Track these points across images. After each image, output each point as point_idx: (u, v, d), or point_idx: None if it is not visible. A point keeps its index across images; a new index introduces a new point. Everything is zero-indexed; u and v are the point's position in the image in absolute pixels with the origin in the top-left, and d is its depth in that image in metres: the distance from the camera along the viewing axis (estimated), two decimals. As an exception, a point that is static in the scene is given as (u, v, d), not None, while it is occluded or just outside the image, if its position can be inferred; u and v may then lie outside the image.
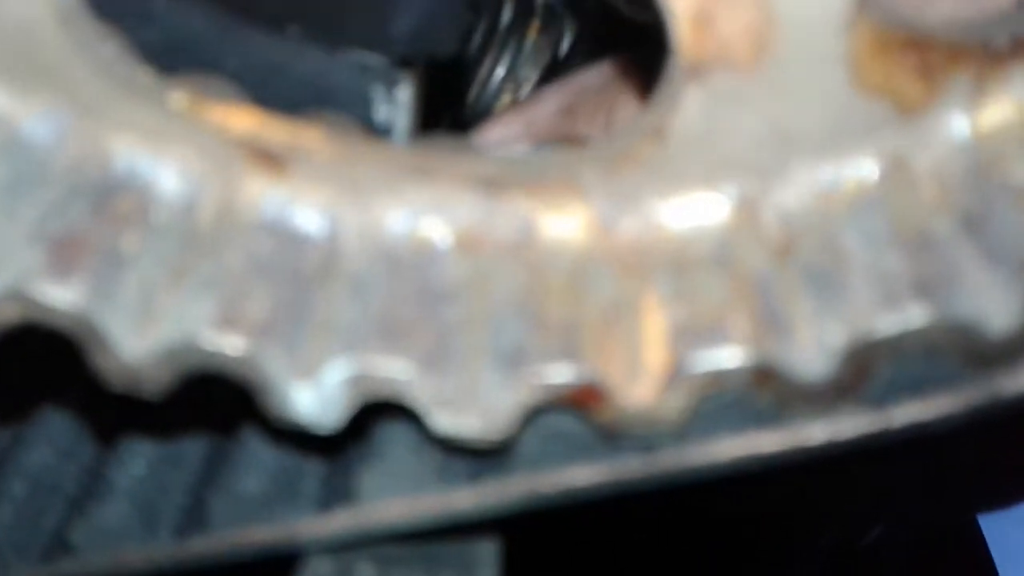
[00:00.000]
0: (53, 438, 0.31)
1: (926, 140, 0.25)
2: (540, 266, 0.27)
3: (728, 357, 0.24)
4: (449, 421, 0.25)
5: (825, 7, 0.24)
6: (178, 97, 0.27)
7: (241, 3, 0.34)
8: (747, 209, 0.26)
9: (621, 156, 0.27)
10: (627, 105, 0.41)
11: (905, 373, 0.24)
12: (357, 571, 0.28)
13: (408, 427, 0.27)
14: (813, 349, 0.23)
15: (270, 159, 0.27)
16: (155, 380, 0.24)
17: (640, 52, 0.42)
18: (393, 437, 0.27)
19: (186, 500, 0.29)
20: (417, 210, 0.27)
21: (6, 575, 0.30)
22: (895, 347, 0.23)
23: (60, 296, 0.24)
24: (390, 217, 0.27)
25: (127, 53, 0.26)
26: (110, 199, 0.26)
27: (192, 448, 0.29)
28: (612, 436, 0.25)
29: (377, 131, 0.35)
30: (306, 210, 0.27)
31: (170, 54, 0.31)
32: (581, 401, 0.25)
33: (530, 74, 0.55)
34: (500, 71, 0.55)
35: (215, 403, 0.29)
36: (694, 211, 0.26)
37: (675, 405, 0.24)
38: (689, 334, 0.24)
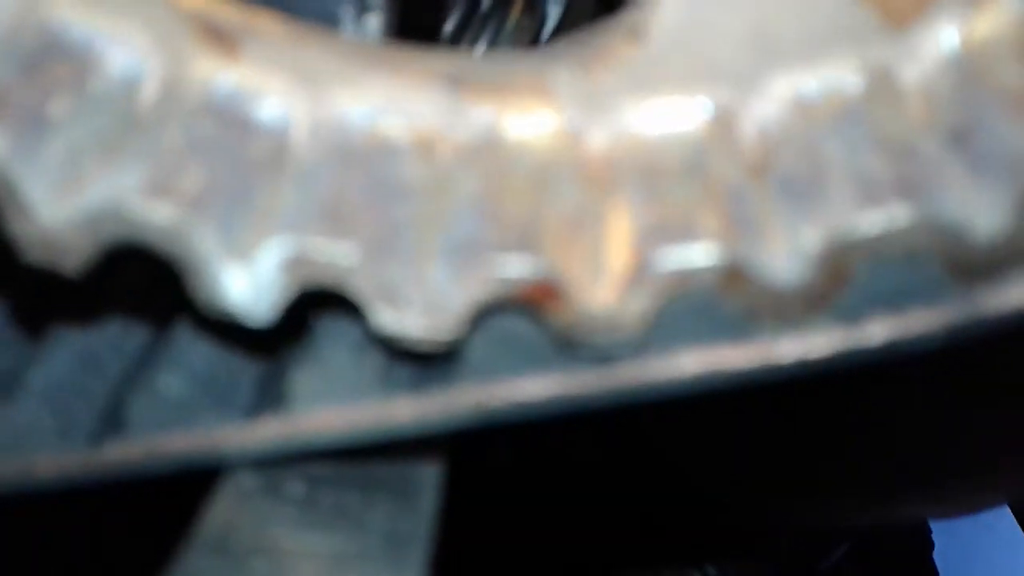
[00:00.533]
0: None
1: (914, 53, 0.24)
2: (502, 169, 0.25)
3: (696, 255, 0.22)
4: (393, 317, 0.23)
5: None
6: (128, -30, 0.25)
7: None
8: (724, 120, 0.25)
9: (595, 57, 0.25)
10: None
11: (881, 289, 0.22)
12: (285, 489, 0.26)
13: (349, 327, 0.25)
14: (786, 251, 0.22)
15: (222, 39, 0.25)
16: (75, 250, 0.22)
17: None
18: (332, 338, 0.25)
19: (105, 404, 0.27)
20: (376, 105, 0.25)
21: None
22: (875, 248, 0.22)
23: (-26, 145, 0.22)
24: (347, 111, 0.25)
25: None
26: (45, 63, 0.24)
27: (118, 346, 0.27)
28: (568, 342, 0.23)
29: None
30: (258, 96, 0.25)
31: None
32: (537, 300, 0.23)
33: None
34: (479, 50, 0.53)
35: (147, 295, 0.27)
36: (668, 118, 0.25)
37: (637, 308, 0.22)
38: (656, 234, 0.23)
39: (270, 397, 0.25)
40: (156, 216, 0.22)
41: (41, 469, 0.27)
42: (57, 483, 0.27)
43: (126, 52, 0.24)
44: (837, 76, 0.24)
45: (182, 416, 0.26)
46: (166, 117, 0.24)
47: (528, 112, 0.25)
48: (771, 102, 0.24)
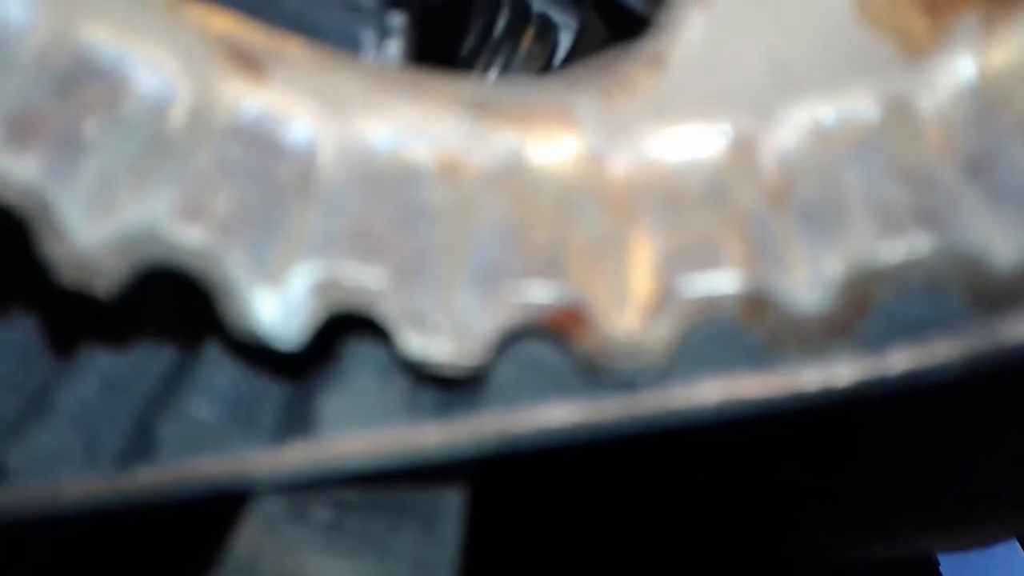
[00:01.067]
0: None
1: (931, 83, 0.24)
2: (526, 195, 0.25)
3: (721, 282, 0.22)
4: (420, 341, 0.23)
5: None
6: (158, -8, 0.26)
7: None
8: (744, 147, 0.25)
9: (616, 85, 0.26)
10: None
11: (903, 317, 0.23)
12: (312, 514, 0.26)
13: (375, 351, 0.25)
14: (809, 278, 0.22)
15: (250, 63, 0.26)
16: (109, 272, 0.23)
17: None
18: (359, 361, 0.25)
19: (133, 426, 0.27)
20: (400, 130, 0.26)
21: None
22: (897, 277, 0.22)
23: (13, 168, 0.22)
24: (372, 135, 0.26)
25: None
26: (77, 86, 0.24)
27: (146, 368, 0.27)
28: (592, 368, 0.23)
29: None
30: (285, 120, 0.25)
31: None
32: (562, 326, 0.23)
33: (522, 80, 0.54)
34: (492, 75, 0.54)
35: (176, 319, 0.27)
36: (688, 145, 0.25)
37: (661, 334, 0.23)
38: (679, 261, 0.23)
39: (297, 421, 0.26)
40: (189, 239, 0.23)
41: (68, 493, 0.27)
42: (85, 507, 0.27)
43: (156, 75, 0.25)
44: (854, 105, 0.24)
45: (210, 440, 0.26)
46: (196, 140, 0.25)
47: (551, 138, 0.26)
48: (790, 130, 0.25)
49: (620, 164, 0.25)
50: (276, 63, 0.25)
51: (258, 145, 0.24)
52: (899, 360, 0.22)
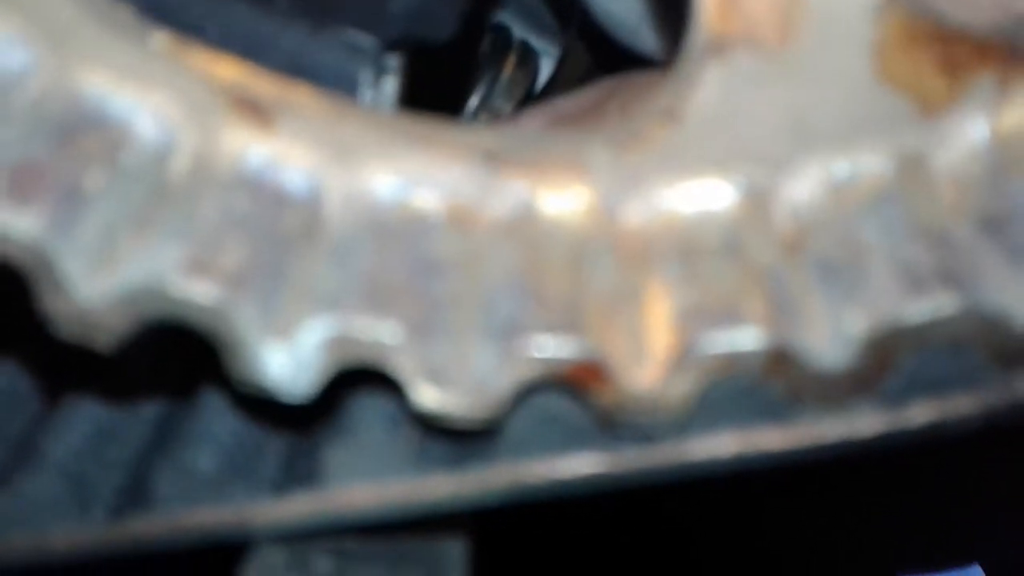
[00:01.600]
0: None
1: (946, 140, 0.25)
2: (538, 246, 0.25)
3: (743, 339, 0.22)
4: (435, 395, 0.23)
5: (855, -9, 0.24)
6: (160, 38, 0.25)
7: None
8: (758, 201, 0.25)
9: (630, 137, 0.26)
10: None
11: (923, 375, 0.23)
12: (313, 564, 0.25)
13: (383, 403, 0.25)
14: (832, 336, 0.22)
15: (256, 111, 0.25)
16: (111, 327, 0.22)
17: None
18: (366, 413, 0.25)
19: (127, 476, 0.26)
20: (409, 179, 0.25)
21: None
22: (921, 337, 0.22)
23: (15, 223, 0.21)
24: (380, 184, 0.25)
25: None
26: (77, 135, 0.24)
27: (139, 418, 0.27)
28: (610, 423, 0.23)
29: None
30: (291, 169, 0.25)
31: (148, 20, 0.29)
32: (580, 380, 0.23)
33: (504, 106, 0.54)
34: (474, 101, 0.54)
35: (169, 368, 0.26)
36: (703, 198, 0.25)
37: (681, 390, 0.22)
38: (698, 317, 0.23)
39: (300, 472, 0.25)
40: (197, 295, 0.22)
41: (58, 544, 0.26)
42: (75, 558, 0.26)
43: (158, 123, 0.24)
44: (869, 161, 0.24)
45: (209, 490, 0.25)
46: (200, 189, 0.24)
47: (563, 188, 0.25)
48: (804, 183, 0.25)
49: (633, 216, 0.25)
50: (282, 111, 0.25)
51: (264, 195, 0.24)
52: (919, 413, 0.22)
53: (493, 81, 0.54)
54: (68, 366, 0.27)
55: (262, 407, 0.25)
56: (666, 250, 0.24)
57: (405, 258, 0.24)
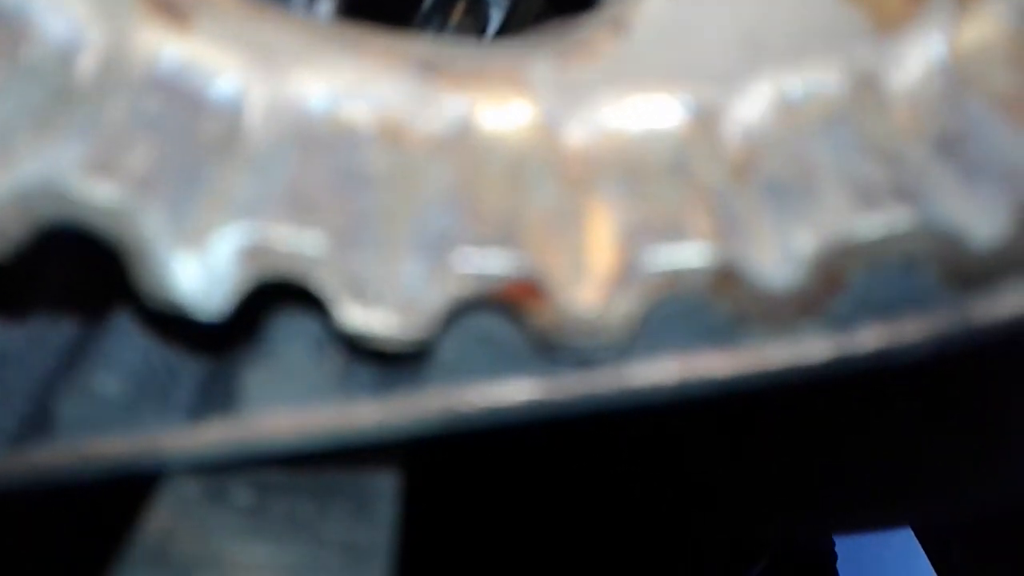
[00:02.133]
0: None
1: (901, 58, 0.23)
2: (475, 162, 0.23)
3: (688, 255, 0.21)
4: (361, 313, 0.21)
5: None
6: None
7: None
8: (706, 119, 0.24)
9: (574, 49, 0.24)
10: None
11: (873, 296, 0.22)
12: (231, 496, 0.24)
13: (306, 323, 0.23)
14: (780, 254, 0.21)
15: (171, 9, 0.23)
16: (5, 231, 0.20)
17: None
18: (288, 334, 0.23)
19: (28, 403, 0.24)
20: (338, 89, 0.23)
21: None
22: (872, 254, 0.21)
23: None
24: (307, 93, 0.23)
25: None
26: (-31, 26, 0.21)
27: (42, 340, 0.25)
28: (547, 345, 0.22)
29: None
30: (209, 73, 0.23)
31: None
32: (516, 299, 0.21)
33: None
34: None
35: (77, 285, 0.24)
36: (648, 116, 0.24)
37: (623, 309, 0.21)
38: (642, 234, 0.22)
39: (217, 398, 0.23)
40: (98, 195, 0.20)
41: (-48, 474, 0.24)
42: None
43: (63, 19, 0.22)
44: (822, 79, 0.23)
45: (118, 417, 0.24)
46: (107, 91, 0.22)
47: (503, 103, 0.24)
48: (754, 103, 0.23)
49: (577, 132, 0.23)
50: (201, 11, 0.23)
51: (178, 99, 0.22)
52: (868, 338, 0.21)
53: (440, 29, 0.52)
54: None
55: (175, 327, 0.24)
56: (610, 168, 0.23)
57: (332, 171, 0.22)
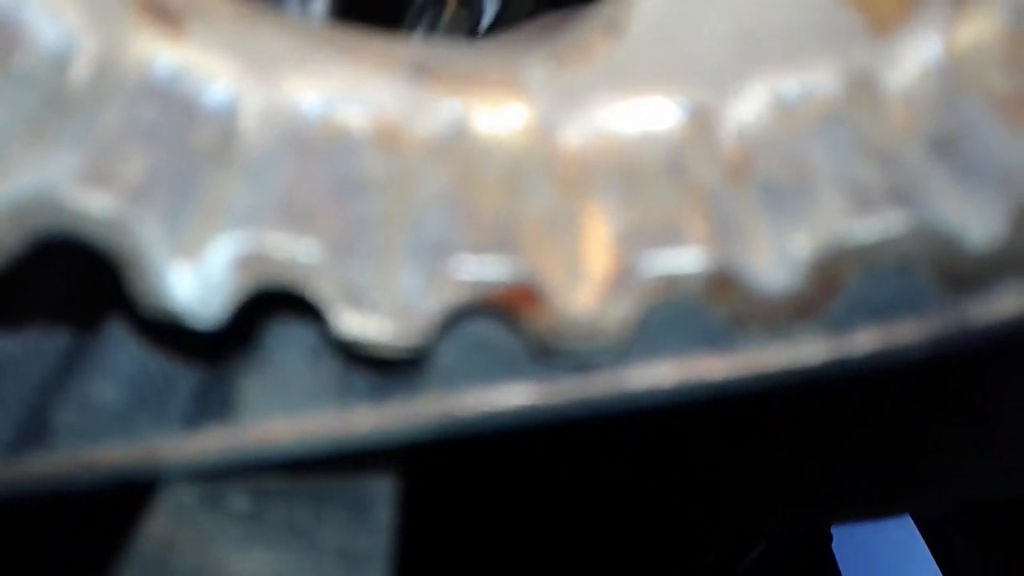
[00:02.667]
0: None
1: (896, 59, 0.23)
2: (470, 167, 0.23)
3: (684, 260, 0.21)
4: (357, 320, 0.21)
5: None
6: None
7: None
8: (702, 121, 0.24)
9: (570, 51, 0.24)
10: None
11: (869, 300, 0.22)
12: (229, 503, 0.24)
13: (302, 331, 0.23)
14: (777, 258, 0.21)
15: (165, 15, 0.23)
16: (0, 242, 0.20)
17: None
18: (284, 342, 0.23)
19: (24, 411, 0.24)
20: (333, 94, 0.23)
21: None
22: (869, 257, 0.21)
23: None
24: (301, 98, 0.23)
25: None
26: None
27: (38, 349, 0.25)
28: (544, 350, 0.22)
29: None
30: (203, 79, 0.23)
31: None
32: (513, 304, 0.21)
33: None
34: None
35: (71, 297, 0.24)
36: (644, 118, 0.24)
37: (620, 314, 0.21)
38: (638, 239, 0.22)
39: (214, 406, 0.23)
40: (93, 206, 0.20)
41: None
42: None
43: (56, 26, 0.22)
44: (818, 79, 0.23)
45: (115, 426, 0.24)
46: (101, 98, 0.22)
47: (498, 106, 0.24)
48: (750, 104, 0.23)
49: (572, 135, 0.23)
50: (194, 17, 0.23)
51: (172, 106, 0.22)
52: (864, 341, 0.21)
53: (433, 23, 0.52)
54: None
55: (172, 336, 0.24)
56: (606, 172, 0.23)
57: (327, 177, 0.22)
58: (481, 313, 0.22)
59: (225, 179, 0.22)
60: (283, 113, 0.23)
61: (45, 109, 0.21)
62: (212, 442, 0.23)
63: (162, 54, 0.23)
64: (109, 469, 0.23)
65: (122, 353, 0.24)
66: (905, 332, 0.21)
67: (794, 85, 0.24)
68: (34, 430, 0.24)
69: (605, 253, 0.22)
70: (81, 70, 0.22)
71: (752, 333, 0.22)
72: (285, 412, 0.23)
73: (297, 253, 0.21)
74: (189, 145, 0.22)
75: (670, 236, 0.21)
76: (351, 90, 0.23)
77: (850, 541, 0.95)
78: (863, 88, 0.23)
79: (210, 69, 0.23)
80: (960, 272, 0.21)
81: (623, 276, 0.21)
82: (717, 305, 0.21)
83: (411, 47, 0.25)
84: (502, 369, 0.22)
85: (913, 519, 0.83)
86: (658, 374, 0.22)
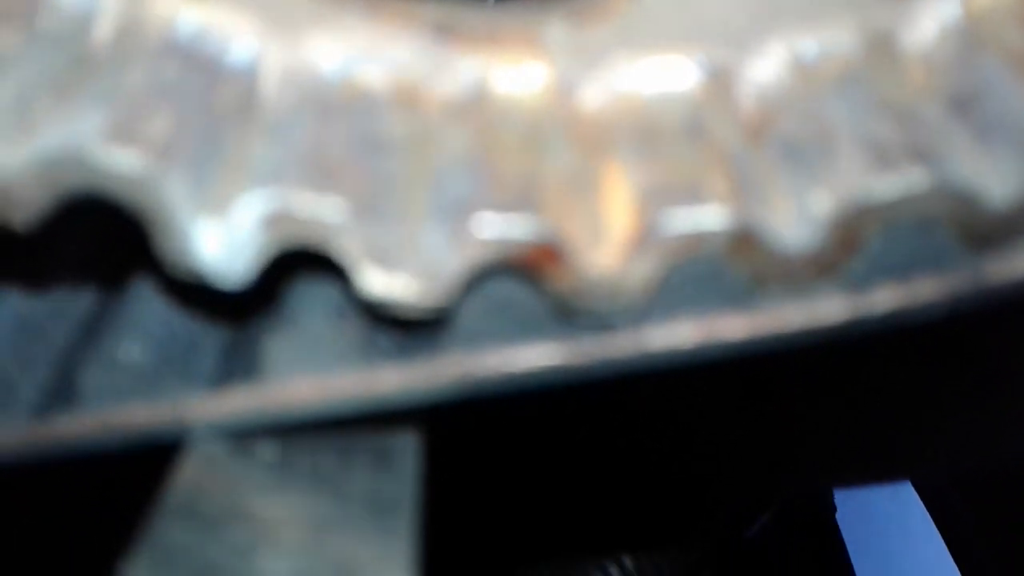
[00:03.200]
0: None
1: (915, 18, 0.23)
2: (491, 126, 0.23)
3: (706, 218, 0.21)
4: (382, 279, 0.21)
5: None
6: None
7: None
8: (721, 80, 0.24)
9: (589, 10, 0.24)
10: None
11: (889, 257, 0.22)
12: (256, 450, 0.24)
13: (327, 290, 0.23)
14: (797, 216, 0.21)
15: (185, -25, 0.23)
16: (28, 202, 0.20)
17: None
18: (309, 302, 0.23)
19: (52, 373, 0.24)
20: (354, 53, 0.24)
21: None
22: (889, 214, 0.21)
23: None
24: (322, 58, 0.23)
25: None
26: (-14, -5, 0.21)
27: (65, 310, 0.25)
28: (566, 309, 0.22)
29: None
30: (225, 39, 0.23)
31: None
32: (535, 264, 0.22)
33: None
34: None
35: (97, 257, 0.25)
36: (664, 77, 0.24)
37: (642, 272, 0.21)
38: (659, 197, 0.22)
39: (239, 365, 0.24)
40: (121, 163, 0.20)
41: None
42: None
43: (80, -15, 0.22)
44: (836, 39, 0.23)
45: (141, 386, 0.24)
46: (125, 57, 0.22)
47: (518, 65, 0.24)
48: (769, 63, 0.24)
49: (592, 95, 0.23)
50: None
51: (195, 65, 0.22)
52: (884, 299, 0.22)
53: None
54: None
55: (198, 296, 0.24)
56: (626, 131, 0.23)
57: (349, 136, 0.23)
58: (504, 272, 0.22)
59: (248, 138, 0.22)
60: (304, 72, 0.23)
61: (69, 69, 0.21)
62: (238, 401, 0.23)
63: (184, 13, 0.23)
64: (136, 429, 0.24)
65: (148, 313, 0.24)
66: (924, 290, 0.22)
67: (813, 44, 0.24)
68: (61, 391, 0.24)
69: (626, 212, 0.22)
70: (104, 29, 0.22)
71: (772, 292, 0.22)
72: (310, 371, 0.23)
73: (322, 212, 0.21)
74: (212, 104, 0.22)
75: (691, 195, 0.21)
76: (372, 50, 0.23)
77: (853, 510, 0.96)
78: (882, 47, 0.23)
79: (232, 28, 0.23)
80: (979, 230, 0.21)
81: (645, 235, 0.21)
82: (738, 263, 0.22)
83: (431, 7, 0.25)
84: (524, 329, 0.22)
85: (916, 489, 0.83)
86: (679, 333, 0.22)
